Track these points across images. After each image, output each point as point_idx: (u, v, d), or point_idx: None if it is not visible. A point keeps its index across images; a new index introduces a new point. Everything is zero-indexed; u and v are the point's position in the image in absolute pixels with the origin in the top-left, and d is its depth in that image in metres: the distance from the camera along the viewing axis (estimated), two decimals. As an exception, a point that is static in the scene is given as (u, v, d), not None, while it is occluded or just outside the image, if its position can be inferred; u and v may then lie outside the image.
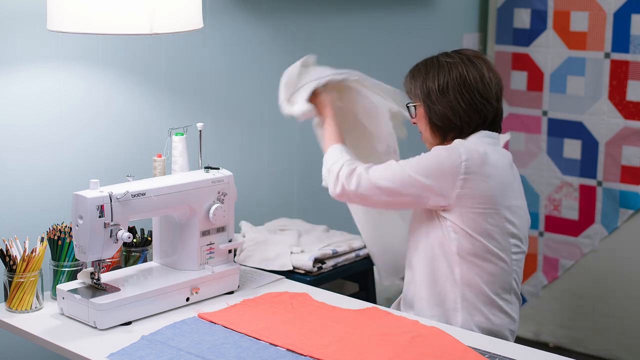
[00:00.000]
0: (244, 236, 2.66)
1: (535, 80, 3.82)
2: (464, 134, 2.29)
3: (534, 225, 3.84)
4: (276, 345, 2.00)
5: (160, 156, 2.40)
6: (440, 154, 2.23)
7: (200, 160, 2.39)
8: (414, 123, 2.39)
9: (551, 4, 3.74)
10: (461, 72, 2.27)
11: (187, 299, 2.24)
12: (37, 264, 2.19)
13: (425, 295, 2.30)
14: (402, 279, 2.43)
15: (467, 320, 2.25)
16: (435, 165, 2.22)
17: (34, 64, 2.34)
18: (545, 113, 3.81)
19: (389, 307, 2.35)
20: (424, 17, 3.60)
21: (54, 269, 2.27)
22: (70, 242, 2.24)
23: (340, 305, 2.25)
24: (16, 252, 2.19)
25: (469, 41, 3.88)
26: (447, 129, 2.30)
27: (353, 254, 2.68)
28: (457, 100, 2.27)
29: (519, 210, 2.30)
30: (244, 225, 2.76)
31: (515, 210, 2.28)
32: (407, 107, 2.37)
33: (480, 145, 2.25)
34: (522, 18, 3.84)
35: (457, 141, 2.26)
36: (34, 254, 2.18)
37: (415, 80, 2.34)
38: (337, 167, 2.32)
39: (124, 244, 2.37)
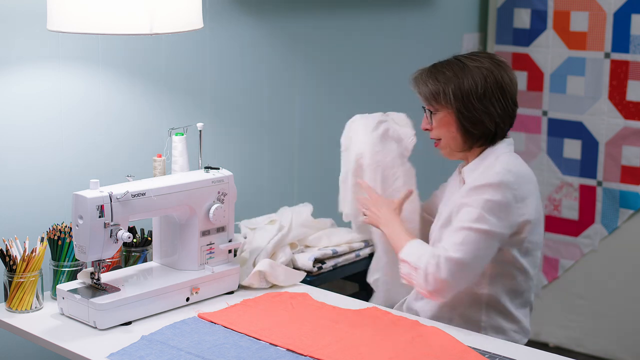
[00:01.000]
0: (245, 237, 2.66)
1: (535, 80, 3.82)
2: (495, 140, 2.24)
3: (534, 225, 3.84)
4: (276, 345, 2.00)
5: (160, 156, 2.40)
6: (497, 198, 2.13)
7: (200, 160, 2.39)
8: (428, 129, 2.28)
9: (551, 4, 3.74)
10: (497, 76, 2.20)
11: (187, 299, 2.23)
12: (37, 264, 2.19)
13: (447, 316, 2.27)
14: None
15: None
16: (502, 208, 2.14)
17: (34, 64, 2.34)
18: (545, 113, 3.81)
19: (390, 307, 2.35)
20: (424, 17, 3.60)
21: (54, 269, 2.27)
22: (70, 242, 2.24)
23: (340, 305, 2.25)
24: (16, 252, 2.19)
25: (469, 41, 3.88)
26: (480, 135, 2.22)
27: (353, 254, 2.68)
28: (494, 105, 2.20)
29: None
30: (243, 226, 2.76)
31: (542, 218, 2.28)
32: (427, 112, 2.26)
33: (512, 163, 2.20)
34: (522, 18, 3.84)
35: (499, 173, 2.16)
36: (34, 254, 2.18)
37: (445, 83, 2.21)
38: (423, 262, 2.16)
39: (124, 244, 2.36)
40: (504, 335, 2.25)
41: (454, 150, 2.27)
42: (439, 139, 2.27)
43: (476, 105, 2.19)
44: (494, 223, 2.12)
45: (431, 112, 2.25)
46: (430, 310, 2.27)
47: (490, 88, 2.20)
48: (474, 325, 2.24)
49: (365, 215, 2.44)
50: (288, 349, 1.98)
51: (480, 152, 2.25)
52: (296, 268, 2.55)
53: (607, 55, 3.62)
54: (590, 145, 3.71)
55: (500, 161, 2.20)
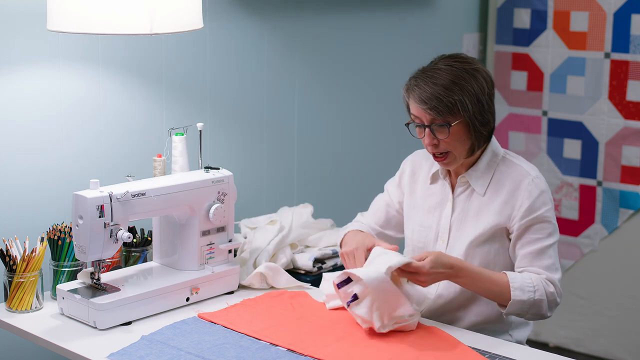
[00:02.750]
0: (245, 237, 2.66)
1: (535, 80, 3.82)
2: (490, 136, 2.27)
3: (534, 225, 3.84)
4: (276, 345, 2.00)
5: (160, 156, 2.40)
6: (548, 199, 2.22)
7: (200, 160, 2.39)
8: (435, 144, 2.18)
9: (551, 4, 3.74)
10: (488, 72, 2.23)
11: (187, 299, 2.23)
12: (37, 264, 2.19)
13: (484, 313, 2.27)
14: None
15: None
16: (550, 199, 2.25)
17: (34, 64, 2.34)
18: (545, 113, 3.81)
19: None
20: (424, 17, 3.60)
21: (54, 269, 2.27)
22: (70, 242, 2.24)
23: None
24: (16, 252, 2.19)
25: (469, 41, 3.88)
26: (487, 136, 2.23)
27: (353, 254, 2.68)
28: (493, 102, 2.23)
29: None
30: (243, 226, 2.76)
31: None
32: (446, 126, 2.16)
33: (531, 166, 2.28)
34: (522, 18, 3.83)
35: (538, 177, 2.23)
36: (34, 254, 2.18)
37: (460, 93, 2.14)
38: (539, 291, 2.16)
39: (124, 244, 2.36)
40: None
41: (461, 159, 2.21)
42: (447, 152, 2.18)
43: (485, 106, 2.18)
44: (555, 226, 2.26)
45: (448, 125, 2.15)
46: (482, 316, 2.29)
47: (490, 85, 2.21)
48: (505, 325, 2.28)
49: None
50: (288, 349, 1.98)
51: (481, 153, 2.25)
52: (296, 268, 2.56)
53: (607, 55, 3.62)
54: (590, 145, 3.71)
55: (526, 167, 2.23)
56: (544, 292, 2.14)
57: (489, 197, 2.22)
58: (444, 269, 2.08)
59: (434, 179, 2.32)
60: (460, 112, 2.14)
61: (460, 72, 2.16)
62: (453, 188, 2.28)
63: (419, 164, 2.38)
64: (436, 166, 2.31)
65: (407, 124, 2.25)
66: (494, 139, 2.27)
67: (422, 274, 2.07)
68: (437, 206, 2.29)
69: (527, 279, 2.13)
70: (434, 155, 2.21)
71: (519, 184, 2.20)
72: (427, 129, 2.17)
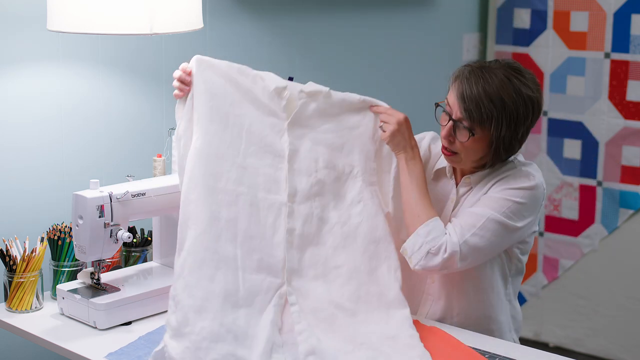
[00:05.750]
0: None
1: (535, 80, 3.82)
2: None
3: (534, 225, 3.84)
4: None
5: (160, 156, 2.40)
6: (532, 193, 2.11)
7: (200, 160, 2.38)
8: (450, 140, 2.11)
9: (551, 4, 3.74)
10: (540, 102, 2.13)
11: (187, 299, 2.23)
12: (37, 264, 2.19)
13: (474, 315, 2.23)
14: None
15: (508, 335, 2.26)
16: (534, 207, 2.13)
17: (34, 64, 2.34)
18: (545, 113, 3.81)
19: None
20: (424, 17, 3.60)
21: (54, 269, 2.27)
22: (70, 242, 2.24)
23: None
24: (16, 252, 2.19)
25: (469, 41, 3.88)
26: (506, 158, 2.15)
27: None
28: (527, 134, 2.14)
29: None
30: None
31: None
32: (469, 132, 2.08)
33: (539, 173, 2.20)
34: (522, 18, 3.84)
35: (533, 171, 2.15)
36: (34, 254, 2.18)
37: (501, 111, 2.05)
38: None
39: (124, 244, 2.36)
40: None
41: (467, 164, 2.16)
42: (457, 154, 2.12)
43: (518, 135, 2.11)
44: (521, 220, 2.13)
45: (471, 133, 2.07)
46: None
47: (535, 117, 2.12)
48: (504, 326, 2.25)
49: (384, 130, 2.14)
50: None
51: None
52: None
53: (607, 55, 3.62)
54: (590, 145, 3.71)
55: (531, 170, 2.16)
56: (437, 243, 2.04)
57: (481, 193, 2.17)
58: (408, 135, 2.11)
59: (438, 176, 2.28)
60: (491, 129, 2.06)
61: (514, 92, 2.06)
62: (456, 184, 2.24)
63: (429, 151, 2.32)
64: (441, 162, 2.28)
65: (437, 104, 2.16)
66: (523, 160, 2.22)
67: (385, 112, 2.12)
68: (438, 202, 2.23)
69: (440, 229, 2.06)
70: (444, 147, 2.15)
71: (510, 174, 2.14)
72: (450, 122, 2.10)
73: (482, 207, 2.10)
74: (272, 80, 2.10)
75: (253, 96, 2.09)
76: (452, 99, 2.11)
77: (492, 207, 2.08)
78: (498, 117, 2.05)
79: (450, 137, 2.11)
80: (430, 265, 2.05)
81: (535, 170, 2.16)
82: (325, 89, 2.13)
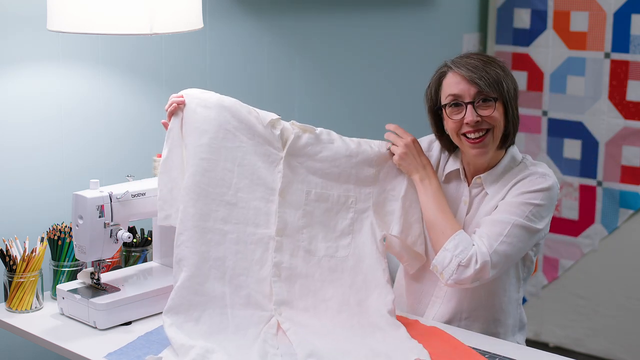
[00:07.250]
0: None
1: (535, 80, 3.82)
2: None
3: (534, 225, 3.84)
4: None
5: (160, 156, 2.40)
6: (549, 194, 2.14)
7: (200, 160, 2.38)
8: (481, 118, 2.11)
9: (551, 4, 3.74)
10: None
11: (187, 299, 2.23)
12: (37, 264, 2.19)
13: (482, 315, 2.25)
14: None
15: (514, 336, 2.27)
16: (551, 207, 2.17)
17: (34, 64, 2.34)
18: (545, 113, 3.81)
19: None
20: (424, 17, 3.60)
21: (54, 269, 2.27)
22: (70, 242, 2.24)
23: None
24: (16, 252, 2.19)
25: (469, 41, 3.88)
26: (511, 140, 2.18)
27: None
28: (518, 108, 2.19)
29: None
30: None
31: None
32: (492, 100, 2.12)
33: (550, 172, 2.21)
34: (522, 18, 3.84)
35: (546, 171, 2.17)
36: (34, 254, 2.18)
37: (504, 77, 2.13)
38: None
39: (124, 244, 2.36)
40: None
41: (493, 147, 2.16)
42: (488, 131, 2.12)
43: (514, 107, 2.15)
44: (541, 221, 2.17)
45: (494, 100, 2.10)
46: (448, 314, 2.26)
47: (517, 91, 2.19)
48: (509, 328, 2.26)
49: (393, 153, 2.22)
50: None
51: (501, 157, 2.21)
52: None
53: (607, 55, 3.62)
54: (590, 145, 3.71)
55: (540, 170, 2.17)
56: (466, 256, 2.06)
57: (498, 199, 2.18)
58: (418, 155, 2.17)
59: (449, 178, 2.27)
60: (503, 90, 2.11)
61: (497, 64, 2.15)
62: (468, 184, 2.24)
63: (437, 155, 2.32)
64: (450, 165, 2.27)
65: (440, 107, 2.18)
66: (514, 145, 2.24)
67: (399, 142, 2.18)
68: (450, 205, 2.21)
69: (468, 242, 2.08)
70: (469, 139, 2.13)
71: (525, 177, 2.16)
72: (469, 106, 2.11)
73: (504, 213, 2.11)
74: (266, 113, 2.14)
75: (247, 125, 2.11)
76: (455, 86, 2.13)
77: (514, 213, 2.10)
78: (504, 76, 2.11)
79: (477, 117, 2.10)
80: (463, 278, 2.07)
81: (547, 170, 2.18)
82: (315, 130, 2.16)
